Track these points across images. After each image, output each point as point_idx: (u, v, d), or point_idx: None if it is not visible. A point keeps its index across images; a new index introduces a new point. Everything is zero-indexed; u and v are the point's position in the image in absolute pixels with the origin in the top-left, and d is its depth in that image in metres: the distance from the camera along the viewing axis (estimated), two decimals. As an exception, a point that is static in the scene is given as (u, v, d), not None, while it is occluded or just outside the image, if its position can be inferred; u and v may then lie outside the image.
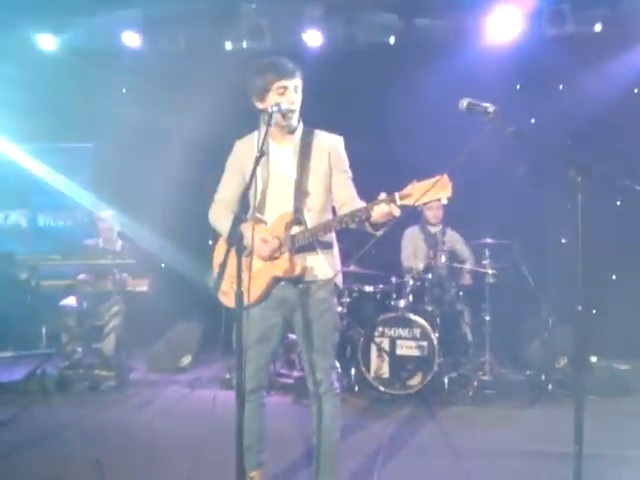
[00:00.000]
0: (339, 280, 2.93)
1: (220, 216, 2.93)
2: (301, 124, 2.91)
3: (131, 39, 6.62)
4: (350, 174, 2.94)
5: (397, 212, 2.54)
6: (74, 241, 6.64)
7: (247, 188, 2.54)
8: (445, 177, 2.45)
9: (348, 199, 2.86)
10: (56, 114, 6.78)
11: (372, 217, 2.58)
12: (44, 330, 6.05)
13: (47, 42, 6.64)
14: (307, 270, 2.79)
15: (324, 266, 2.83)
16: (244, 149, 2.91)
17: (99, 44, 6.72)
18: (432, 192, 2.47)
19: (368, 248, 2.68)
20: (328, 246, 2.87)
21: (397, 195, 2.53)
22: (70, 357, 5.58)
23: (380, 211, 2.55)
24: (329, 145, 2.89)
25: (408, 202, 2.51)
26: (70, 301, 5.69)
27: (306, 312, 2.82)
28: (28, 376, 5.19)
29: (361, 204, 2.77)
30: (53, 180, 7.37)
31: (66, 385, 5.28)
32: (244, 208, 2.53)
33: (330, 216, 2.88)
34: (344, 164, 2.92)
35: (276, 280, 2.79)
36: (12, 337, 6.90)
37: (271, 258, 2.76)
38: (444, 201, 2.51)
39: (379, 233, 2.67)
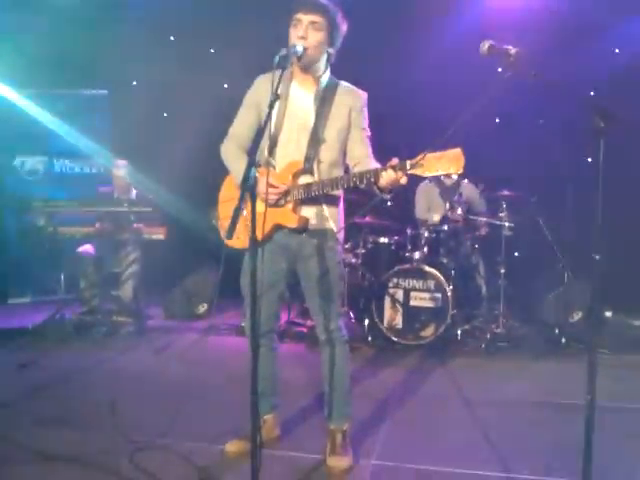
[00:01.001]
0: (341, 236, 2.91)
1: (232, 155, 2.89)
2: (328, 71, 2.83)
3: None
4: (368, 132, 2.88)
5: (404, 180, 2.50)
6: (90, 188, 6.66)
7: (261, 130, 2.48)
8: (458, 151, 2.40)
9: (362, 157, 2.81)
10: (71, 61, 6.71)
11: (380, 182, 2.54)
12: (62, 276, 6.13)
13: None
14: (307, 222, 2.78)
15: (327, 218, 2.81)
16: (263, 86, 2.82)
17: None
18: (444, 165, 2.42)
19: (377, 200, 2.66)
20: (334, 200, 2.84)
21: (408, 163, 2.48)
22: (88, 303, 5.68)
23: (388, 177, 2.50)
24: (352, 99, 2.82)
25: (418, 172, 2.47)
26: (87, 248, 5.76)
27: (308, 260, 2.82)
28: (47, 321, 5.29)
29: (375, 164, 2.72)
30: (67, 128, 7.35)
31: (84, 330, 5.38)
32: (256, 150, 2.47)
33: (341, 171, 2.85)
34: (364, 121, 2.86)
35: (277, 227, 2.79)
36: (31, 283, 7.02)
37: (276, 204, 2.74)
38: (454, 176, 2.48)
39: (386, 196, 2.64)
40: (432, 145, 2.42)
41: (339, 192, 2.84)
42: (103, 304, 5.65)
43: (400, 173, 2.48)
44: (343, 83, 2.86)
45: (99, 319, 5.50)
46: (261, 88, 2.85)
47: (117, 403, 3.31)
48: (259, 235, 2.72)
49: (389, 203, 4.96)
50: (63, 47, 6.49)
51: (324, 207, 2.81)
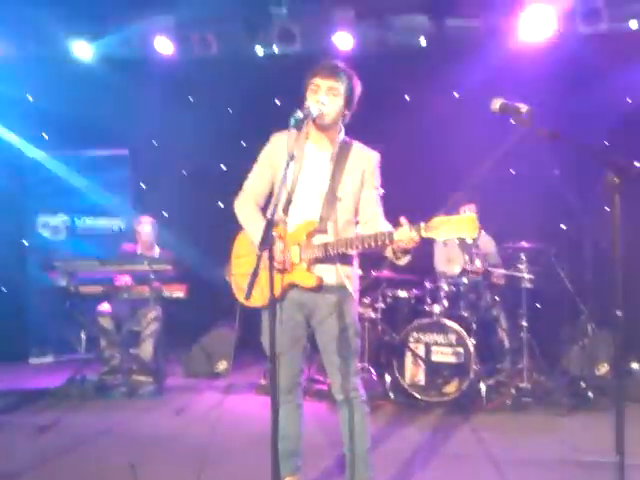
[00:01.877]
0: (355, 296, 2.90)
1: (246, 212, 2.92)
2: (342, 132, 2.89)
3: (164, 46, 6.69)
4: (381, 192, 2.91)
5: (417, 238, 2.50)
6: (112, 246, 6.76)
7: (277, 189, 2.49)
8: (473, 216, 2.42)
9: (373, 217, 2.84)
10: (92, 122, 6.91)
11: (395, 240, 2.54)
12: (83, 335, 6.15)
13: (82, 50, 6.77)
14: (322, 281, 2.77)
15: (342, 277, 2.81)
16: (279, 143, 2.88)
17: (132, 52, 6.82)
18: (458, 229, 2.44)
19: (379, 273, 2.67)
20: (348, 259, 2.84)
21: (422, 226, 2.50)
22: (108, 362, 5.68)
23: (403, 235, 2.51)
24: (366, 160, 2.86)
25: (432, 235, 2.49)
26: (107, 307, 5.79)
27: (323, 318, 2.82)
28: (68, 381, 5.29)
29: (386, 224, 2.76)
30: (90, 186, 7.51)
31: (105, 390, 5.38)
32: (274, 209, 2.46)
33: (354, 230, 2.87)
34: (376, 181, 2.89)
35: (291, 286, 2.80)
36: (52, 342, 7.06)
37: (282, 270, 2.75)
38: (469, 241, 2.50)
39: (401, 262, 2.66)
40: (449, 200, 2.44)
41: (353, 252, 2.85)
42: (123, 363, 5.64)
43: (414, 232, 2.48)
44: (356, 144, 2.90)
45: (119, 379, 5.48)
46: (277, 145, 2.90)
47: (137, 467, 3.26)
48: (275, 293, 2.73)
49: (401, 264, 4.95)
50: (84, 108, 6.68)
51: (338, 266, 2.81)
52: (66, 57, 6.75)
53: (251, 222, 2.87)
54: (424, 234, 2.48)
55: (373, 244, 2.62)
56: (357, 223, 2.91)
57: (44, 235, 7.76)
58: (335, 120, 2.79)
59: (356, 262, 2.92)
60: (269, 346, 2.34)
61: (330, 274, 2.80)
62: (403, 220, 2.53)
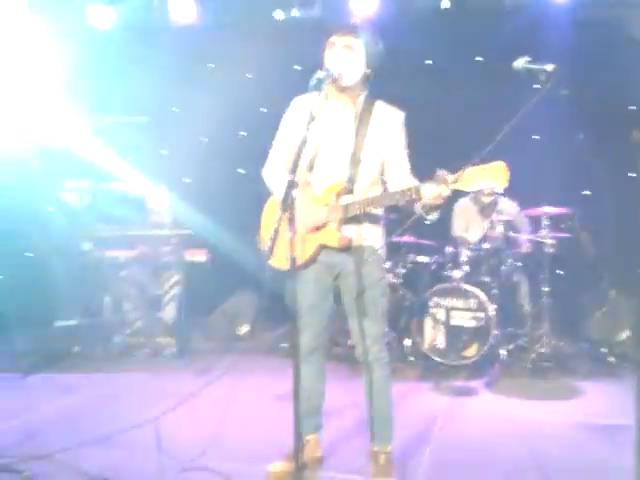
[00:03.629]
0: (383, 252, 2.92)
1: (273, 175, 2.95)
2: (366, 91, 2.87)
3: (183, 11, 6.64)
4: (407, 150, 2.89)
5: (447, 192, 2.48)
6: (133, 212, 6.81)
7: (299, 150, 2.50)
8: (502, 164, 2.38)
9: (401, 176, 2.82)
10: (111, 89, 6.91)
11: (423, 196, 2.53)
12: (107, 299, 6.24)
13: (101, 17, 6.73)
14: (352, 241, 2.79)
15: (370, 235, 2.84)
16: (300, 107, 2.88)
17: (151, 18, 6.78)
18: (487, 178, 2.41)
19: (415, 218, 2.65)
20: (375, 218, 2.85)
21: (450, 177, 2.48)
22: (132, 325, 5.78)
23: (430, 191, 2.49)
24: (391, 118, 2.84)
25: (461, 187, 2.46)
26: (131, 271, 5.87)
27: (350, 277, 2.83)
28: (93, 343, 5.40)
29: (413, 181, 2.73)
30: (106, 156, 7.54)
31: (128, 352, 5.48)
32: (295, 170, 2.46)
33: (380, 189, 2.86)
34: (403, 140, 2.87)
35: (322, 247, 2.82)
36: (77, 306, 7.18)
37: (313, 230, 2.76)
38: (499, 190, 2.46)
39: (431, 217, 2.64)
40: (472, 161, 2.41)
41: (379, 211, 2.85)
42: (146, 326, 5.74)
43: (443, 186, 2.47)
44: (381, 102, 2.88)
45: (143, 341, 5.59)
46: (298, 109, 2.90)
47: (160, 424, 3.34)
48: (304, 258, 2.76)
49: (428, 222, 4.95)
50: (103, 75, 6.69)
51: (365, 225, 2.82)
52: (84, 23, 6.74)
53: (277, 183, 2.88)
54: (452, 186, 2.47)
55: (401, 200, 2.62)
56: (384, 182, 2.90)
57: (68, 201, 7.83)
58: (354, 77, 2.77)
59: (382, 222, 2.92)
60: (291, 304, 2.37)
61: (356, 234, 2.81)
62: (439, 171, 2.50)
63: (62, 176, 7.70)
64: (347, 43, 2.71)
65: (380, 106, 2.86)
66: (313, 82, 2.56)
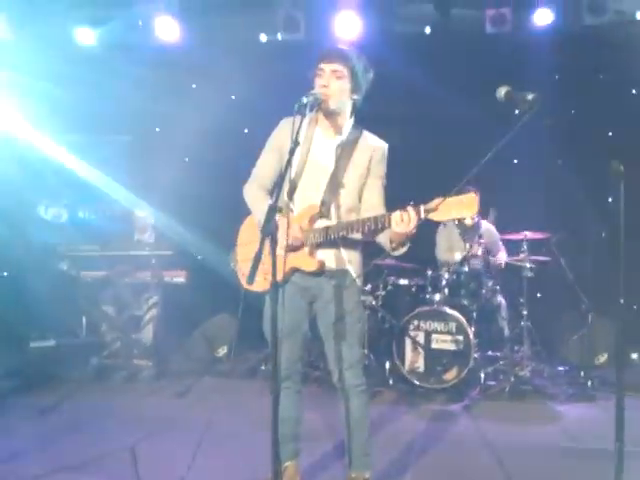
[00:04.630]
0: (359, 282, 2.89)
1: (254, 196, 2.91)
2: (353, 118, 2.88)
3: (167, 33, 6.68)
4: (384, 182, 2.90)
5: (415, 221, 2.48)
6: (113, 231, 6.76)
7: (282, 174, 2.50)
8: (472, 195, 2.40)
9: (375, 206, 2.83)
10: (95, 108, 6.89)
11: (393, 222, 2.53)
12: (84, 320, 6.16)
13: (85, 36, 6.75)
14: (323, 265, 2.77)
15: (347, 261, 2.82)
16: (286, 128, 2.84)
17: (135, 38, 6.80)
18: (457, 210, 2.42)
19: (378, 262, 2.67)
20: (352, 244, 2.84)
21: (422, 208, 2.49)
22: (109, 347, 5.69)
23: (400, 220, 2.49)
24: (373, 149, 2.85)
25: (432, 217, 2.48)
26: (109, 292, 5.80)
27: (327, 302, 2.82)
28: (69, 365, 5.32)
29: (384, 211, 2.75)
30: (90, 173, 7.50)
31: (106, 374, 5.39)
32: (279, 194, 2.46)
33: (358, 217, 2.87)
34: (382, 171, 2.88)
35: (294, 270, 2.80)
36: (54, 327, 7.06)
37: (289, 249, 2.74)
38: (468, 221, 2.48)
39: (396, 253, 2.66)
40: (453, 188, 2.43)
41: (358, 236, 2.85)
42: (124, 348, 5.66)
43: (413, 216, 2.48)
44: (366, 132, 2.89)
45: (120, 363, 5.51)
46: (284, 130, 2.88)
47: (137, 449, 3.28)
48: (278, 277, 2.73)
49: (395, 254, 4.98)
50: (87, 94, 6.67)
51: (342, 250, 2.82)
52: (69, 42, 6.73)
53: (257, 205, 2.86)
54: (423, 215, 2.47)
55: (373, 226, 2.61)
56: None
57: (46, 219, 7.75)
58: (341, 105, 2.78)
59: (360, 247, 2.92)
60: (270, 330, 2.35)
61: (332, 259, 2.80)
62: (410, 206, 2.51)
63: (41, 193, 7.65)
64: (335, 69, 2.72)
65: (365, 136, 2.87)
66: (296, 107, 2.57)
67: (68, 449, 3.65)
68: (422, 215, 2.48)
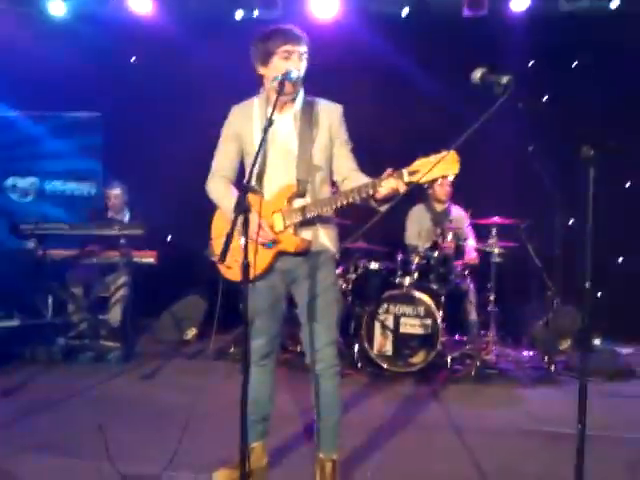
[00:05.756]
0: (337, 255, 2.91)
1: (220, 191, 2.88)
2: (302, 92, 2.86)
3: (141, 6, 6.55)
4: (351, 145, 2.89)
5: (403, 188, 2.50)
6: (82, 210, 6.65)
7: (253, 159, 2.47)
8: (453, 153, 2.41)
9: (350, 172, 2.82)
10: (65, 83, 6.75)
11: (379, 193, 2.55)
12: (50, 300, 6.06)
13: (56, 8, 6.61)
14: (309, 244, 2.77)
15: (324, 239, 2.82)
16: (240, 116, 2.86)
17: (108, 11, 6.66)
18: (440, 168, 2.43)
19: (371, 225, 2.65)
20: (327, 220, 2.83)
21: (405, 171, 2.49)
22: (76, 327, 5.62)
23: (388, 186, 2.51)
24: (329, 114, 2.84)
25: (415, 178, 2.47)
26: (76, 271, 5.71)
27: (307, 284, 2.81)
28: (34, 345, 5.24)
29: (364, 177, 2.74)
30: (60, 149, 7.36)
31: (72, 355, 5.33)
32: (247, 177, 2.45)
33: (329, 188, 2.86)
34: (344, 134, 2.87)
35: (281, 254, 2.79)
36: (19, 306, 6.94)
37: (272, 238, 2.73)
38: (451, 177, 2.47)
39: (383, 209, 2.63)
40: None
41: (332, 213, 2.84)
42: (91, 328, 5.59)
43: (399, 181, 2.48)
44: (317, 99, 2.88)
45: (87, 344, 5.44)
46: (238, 118, 2.87)
47: (104, 430, 3.25)
48: (261, 268, 2.73)
49: (378, 228, 4.99)
50: (57, 69, 6.53)
51: (319, 227, 2.81)
52: (40, 14, 6.58)
53: (224, 197, 2.83)
54: (407, 179, 2.48)
55: (357, 197, 2.61)
56: (333, 182, 2.90)
57: (12, 197, 7.60)
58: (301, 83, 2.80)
59: (335, 223, 2.91)
60: (243, 310, 2.34)
61: (313, 238, 2.79)
62: (389, 170, 2.52)
63: (9, 169, 7.49)
64: (304, 50, 2.73)
65: (318, 103, 2.86)
66: (276, 85, 2.59)
67: (35, 428, 3.61)
68: (405, 179, 2.48)
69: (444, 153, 2.41)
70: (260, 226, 2.60)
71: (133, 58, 7.23)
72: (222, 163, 2.92)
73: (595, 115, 6.04)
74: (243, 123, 2.82)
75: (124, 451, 3.18)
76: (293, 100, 2.82)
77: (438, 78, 6.17)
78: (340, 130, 2.85)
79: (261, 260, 2.72)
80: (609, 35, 6.02)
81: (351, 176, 2.80)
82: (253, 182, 2.69)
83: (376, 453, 3.38)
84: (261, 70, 2.80)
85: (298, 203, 2.76)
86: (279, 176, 2.78)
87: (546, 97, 6.51)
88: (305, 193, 2.77)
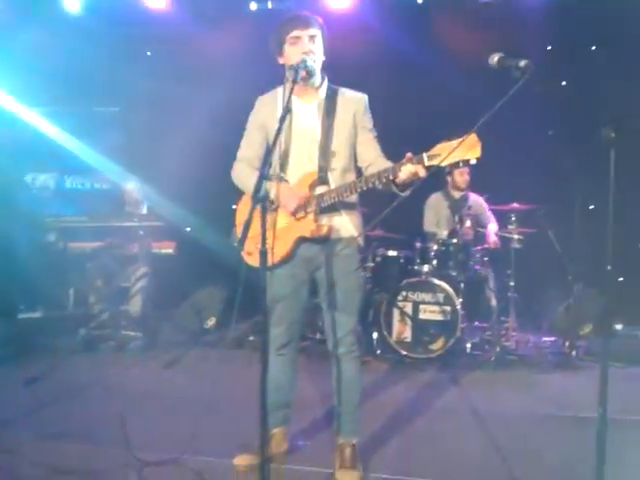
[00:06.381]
0: (361, 240, 2.92)
1: (244, 174, 2.91)
2: (326, 80, 2.87)
3: (155, 1, 6.57)
4: (375, 133, 2.90)
5: (423, 172, 2.50)
6: (101, 204, 6.71)
7: (271, 147, 2.50)
8: (474, 136, 2.40)
9: (375, 159, 2.83)
10: (84, 78, 6.79)
11: (399, 178, 2.55)
12: (72, 291, 6.14)
13: (72, 4, 6.65)
14: (331, 230, 2.78)
15: (348, 225, 2.83)
16: (266, 105, 2.89)
17: (123, 6, 6.68)
18: (460, 152, 2.42)
19: (391, 209, 2.65)
20: (351, 206, 2.85)
21: (425, 155, 2.49)
22: (97, 318, 5.69)
23: (407, 171, 2.51)
24: (354, 103, 2.85)
25: (436, 162, 2.47)
26: (97, 263, 5.77)
27: (330, 271, 2.82)
28: (56, 336, 5.31)
29: (388, 163, 2.73)
30: (79, 144, 7.42)
31: (93, 345, 5.40)
32: (267, 166, 2.48)
33: (354, 176, 2.86)
34: (369, 123, 2.88)
35: (301, 240, 2.80)
36: (41, 298, 7.03)
37: (297, 214, 2.75)
38: (473, 161, 2.45)
39: (405, 194, 2.63)
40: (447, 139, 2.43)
41: (355, 199, 2.85)
42: (112, 319, 5.65)
43: (419, 166, 2.48)
44: (342, 89, 2.89)
45: (108, 334, 5.51)
46: (264, 108, 2.90)
47: (126, 418, 3.30)
48: (282, 254, 2.74)
49: (397, 215, 4.98)
50: (75, 64, 6.57)
51: (343, 214, 2.82)
52: (57, 10, 6.62)
53: (248, 182, 2.82)
54: (427, 163, 2.48)
55: (378, 182, 2.63)
56: (358, 169, 2.90)
57: (32, 192, 7.68)
58: (319, 67, 2.79)
59: (358, 208, 2.91)
60: (264, 298, 2.35)
61: (336, 224, 2.81)
62: (409, 154, 2.52)
63: (29, 164, 7.56)
64: (312, 34, 2.73)
65: (343, 93, 2.87)
66: (292, 73, 2.59)
67: (55, 417, 3.65)
68: (426, 163, 2.47)
69: (465, 137, 2.39)
70: (291, 194, 2.67)
71: (148, 53, 7.25)
72: (247, 151, 2.95)
73: (614, 99, 5.95)
74: (268, 113, 2.84)
75: (145, 438, 3.22)
76: (317, 89, 2.82)
77: (456, 64, 6.11)
78: (364, 118, 2.86)
79: (281, 247, 2.74)
80: (628, 18, 5.92)
81: (375, 163, 2.80)
82: (276, 170, 2.71)
83: (395, 438, 3.38)
84: (279, 60, 2.82)
85: (319, 190, 2.77)
86: (303, 164, 2.80)
87: (564, 82, 6.43)
88: (327, 180, 2.78)
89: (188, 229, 7.22)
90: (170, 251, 5.66)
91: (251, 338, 5.46)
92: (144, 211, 6.05)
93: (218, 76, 7.00)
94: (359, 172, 2.90)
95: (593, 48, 6.49)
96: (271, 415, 2.73)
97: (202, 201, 6.76)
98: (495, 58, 2.20)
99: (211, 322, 6.16)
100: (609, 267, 1.99)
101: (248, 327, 5.59)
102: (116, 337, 5.46)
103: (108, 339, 5.46)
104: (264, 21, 6.37)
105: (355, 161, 2.89)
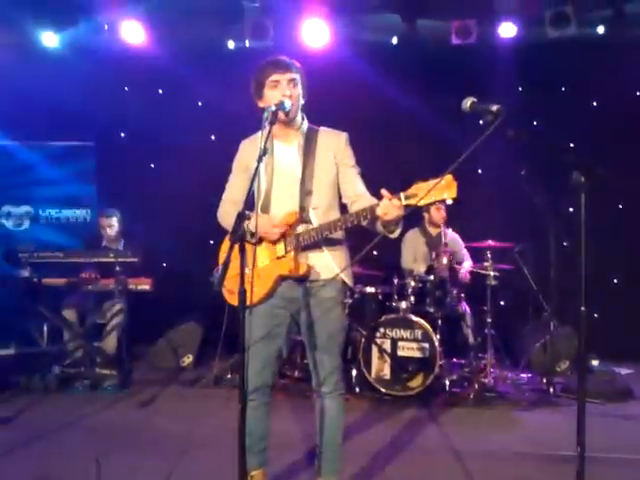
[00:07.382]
0: (349, 279, 2.90)
1: (227, 214, 2.91)
2: (305, 121, 2.91)
3: (133, 37, 6.64)
4: (358, 169, 2.92)
5: (401, 211, 2.53)
6: (77, 238, 6.66)
7: (249, 186, 2.52)
8: (449, 177, 2.44)
9: (358, 196, 2.84)
10: (59, 113, 6.79)
11: (380, 217, 2.55)
12: (46, 328, 6.04)
13: (50, 39, 6.69)
14: (313, 269, 2.79)
15: (330, 264, 2.83)
16: (249, 149, 2.92)
17: (101, 42, 6.74)
18: (437, 192, 2.45)
19: (370, 248, 2.67)
20: (336, 244, 2.85)
21: (402, 195, 2.52)
22: (72, 355, 5.59)
23: (385, 207, 2.51)
24: (333, 141, 2.89)
25: (413, 202, 2.49)
26: (72, 299, 5.70)
27: (312, 310, 2.82)
28: (30, 374, 5.20)
29: (372, 200, 2.73)
30: (54, 177, 7.40)
31: (68, 383, 5.29)
32: (249, 207, 2.51)
33: (338, 213, 2.88)
34: (350, 159, 2.91)
35: (282, 279, 2.80)
36: (14, 334, 6.90)
37: (277, 243, 2.76)
38: (449, 201, 2.49)
39: (393, 235, 2.64)
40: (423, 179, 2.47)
41: (340, 235, 2.86)
42: (87, 356, 5.56)
43: (397, 202, 2.50)
44: (322, 128, 2.93)
45: (82, 372, 5.40)
46: (247, 151, 2.93)
47: (101, 460, 3.22)
48: (263, 292, 2.74)
49: (375, 252, 5.01)
50: (51, 99, 6.58)
51: (326, 252, 2.82)
52: (34, 46, 6.66)
53: (232, 220, 2.84)
54: (404, 202, 2.49)
55: (356, 222, 2.64)
56: (343, 205, 2.91)
57: (7, 225, 7.61)
58: (298, 109, 2.84)
59: (345, 247, 2.91)
60: (241, 339, 2.34)
61: (320, 267, 2.81)
62: (383, 191, 2.53)
63: (3, 198, 7.50)
64: (291, 77, 2.78)
65: (322, 132, 2.91)
66: (266, 115, 2.61)
67: (31, 458, 3.57)
68: (403, 202, 2.49)
69: (441, 177, 2.44)
70: (270, 224, 2.70)
71: (126, 88, 7.31)
72: (233, 194, 2.97)
73: (584, 139, 6.11)
74: (250, 155, 2.85)
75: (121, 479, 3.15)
76: (297, 130, 2.87)
77: (427, 105, 6.25)
78: (345, 155, 2.89)
79: (262, 285, 2.74)
80: (597, 61, 6.13)
81: (358, 200, 2.82)
82: (259, 212, 2.73)
83: (375, 477, 3.35)
84: (259, 103, 2.85)
85: (301, 229, 2.79)
86: (285, 204, 2.82)
87: (535, 122, 6.61)
88: (309, 219, 2.80)
89: (164, 265, 7.20)
90: (146, 287, 5.60)
91: (229, 376, 5.39)
92: (121, 247, 6.00)
93: (195, 111, 7.07)
94: (344, 208, 2.92)
95: (563, 89, 6.68)
96: (248, 457, 2.68)
97: (180, 235, 6.75)
98: (468, 103, 2.26)
99: (187, 360, 6.08)
100: (583, 308, 2.02)
101: (226, 365, 5.53)
102: (91, 375, 5.36)
103: (83, 377, 5.35)
104: (242, 59, 6.46)
105: (340, 198, 2.91)
